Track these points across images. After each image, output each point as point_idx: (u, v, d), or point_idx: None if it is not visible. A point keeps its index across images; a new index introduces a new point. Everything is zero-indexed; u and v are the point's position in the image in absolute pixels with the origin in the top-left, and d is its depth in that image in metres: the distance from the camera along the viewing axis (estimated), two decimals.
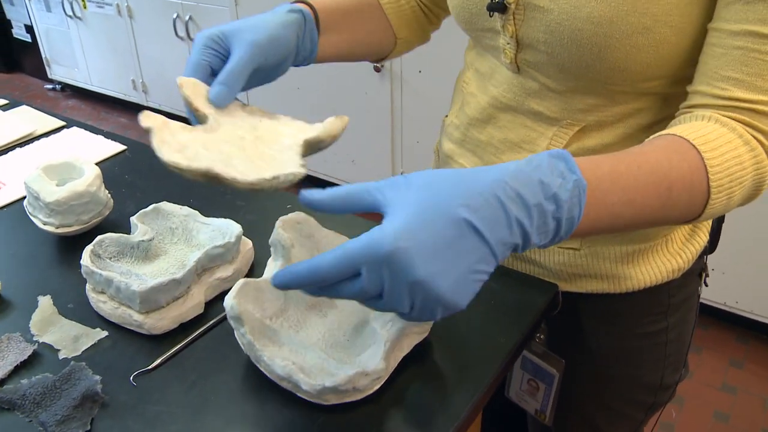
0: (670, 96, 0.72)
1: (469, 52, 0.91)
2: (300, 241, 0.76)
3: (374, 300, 0.52)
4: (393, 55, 0.98)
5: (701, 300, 0.94)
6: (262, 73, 0.75)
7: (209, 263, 0.81)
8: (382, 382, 0.67)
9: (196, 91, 0.70)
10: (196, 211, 0.90)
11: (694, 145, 0.61)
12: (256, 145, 0.67)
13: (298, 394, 0.67)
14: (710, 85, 0.65)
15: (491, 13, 0.74)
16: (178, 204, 0.92)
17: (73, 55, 3.93)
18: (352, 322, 0.73)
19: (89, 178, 0.93)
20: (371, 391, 0.67)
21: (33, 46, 4.25)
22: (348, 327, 0.73)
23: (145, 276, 0.81)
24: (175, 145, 0.63)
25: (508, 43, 0.75)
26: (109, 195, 0.97)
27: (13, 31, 4.40)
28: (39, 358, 0.75)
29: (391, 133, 2.53)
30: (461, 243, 0.50)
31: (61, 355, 0.75)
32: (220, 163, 0.63)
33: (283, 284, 0.54)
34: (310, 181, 2.92)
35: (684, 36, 0.66)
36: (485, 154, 0.85)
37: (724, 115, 0.63)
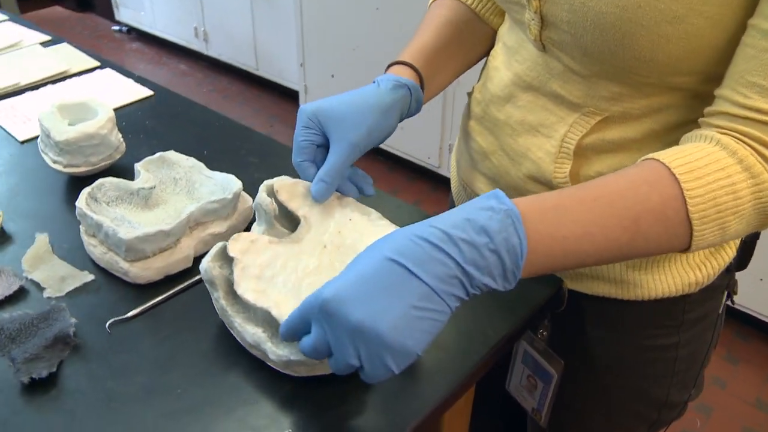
0: (704, 94, 0.65)
1: (503, 25, 0.86)
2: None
3: (330, 357, 0.54)
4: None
5: (743, 308, 0.87)
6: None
7: (203, 217, 0.80)
8: None
9: (293, 192, 0.74)
10: (202, 164, 0.88)
11: (673, 173, 0.56)
12: (334, 260, 0.69)
13: (268, 363, 0.65)
14: (734, 90, 0.58)
15: None
16: (193, 154, 0.90)
17: None
18: None
19: (101, 120, 0.92)
20: None
21: None
22: None
23: (138, 224, 0.80)
24: (254, 270, 0.66)
25: (532, 19, 0.70)
26: (122, 139, 0.96)
27: None
28: (24, 294, 0.76)
29: (443, 101, 2.47)
30: (394, 283, 0.50)
31: (46, 294, 0.75)
32: (281, 302, 0.64)
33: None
34: None
35: (720, 29, 0.59)
36: (502, 134, 0.81)
37: (734, 133, 0.57)
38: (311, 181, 0.73)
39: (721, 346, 2.13)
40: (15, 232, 0.85)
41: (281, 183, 0.74)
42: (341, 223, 0.73)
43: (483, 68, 0.90)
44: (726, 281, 0.82)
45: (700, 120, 0.62)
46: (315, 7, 2.77)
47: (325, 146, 0.74)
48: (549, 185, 0.75)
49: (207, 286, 0.67)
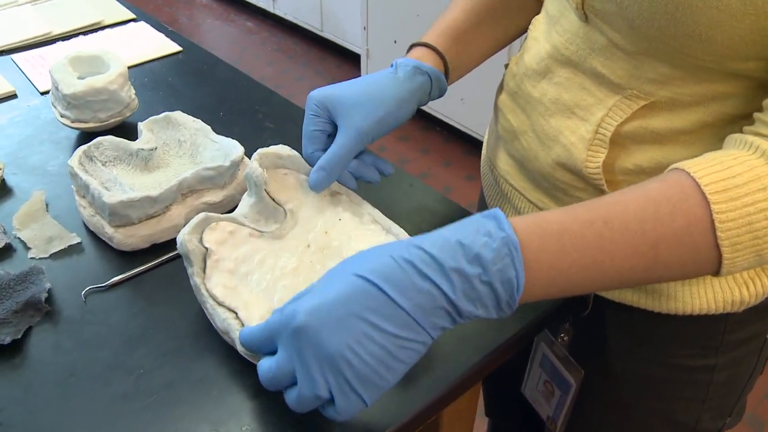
0: None
1: None
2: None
3: (290, 389, 0.49)
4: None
5: None
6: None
7: (198, 185, 0.75)
8: None
9: (283, 183, 0.69)
10: (209, 127, 0.83)
11: (703, 191, 0.47)
12: (315, 262, 0.65)
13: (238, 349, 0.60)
14: None
15: None
16: (209, 114, 0.86)
17: None
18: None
19: (111, 76, 0.88)
20: None
21: None
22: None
23: (131, 187, 0.76)
24: (229, 263, 0.62)
25: None
26: (134, 95, 0.92)
27: None
28: (10, 252, 0.73)
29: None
30: (374, 309, 0.46)
31: (30, 254, 0.72)
32: (251, 304, 0.60)
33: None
34: (419, 114, 2.81)
35: None
36: (534, 113, 0.71)
37: None
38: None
39: None
40: (15, 185, 0.83)
41: (272, 172, 0.69)
42: (330, 222, 0.67)
43: (524, 39, 0.80)
44: None
45: (754, 115, 0.52)
46: None
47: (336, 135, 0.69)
48: (579, 174, 0.66)
49: (183, 259, 0.63)
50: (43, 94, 1.03)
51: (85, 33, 1.21)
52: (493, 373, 0.65)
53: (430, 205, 0.80)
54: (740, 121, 0.57)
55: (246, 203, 0.68)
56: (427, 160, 2.66)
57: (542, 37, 0.71)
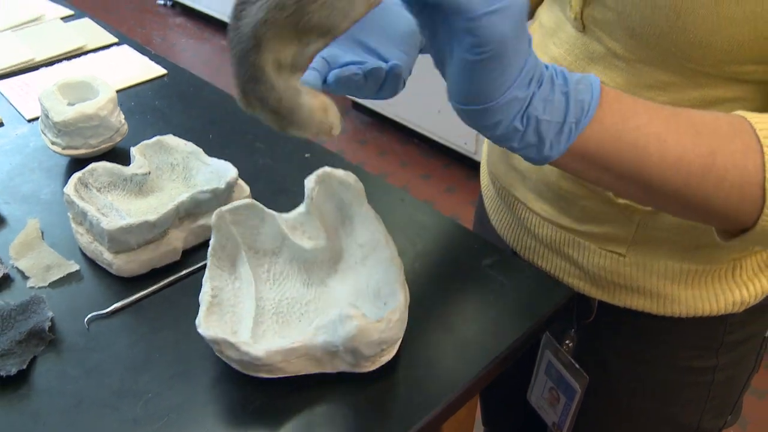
0: None
1: (542, 5, 0.78)
2: (331, 205, 0.70)
3: None
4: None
5: None
6: None
7: (194, 208, 0.76)
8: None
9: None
10: (200, 149, 0.84)
11: (757, 135, 0.47)
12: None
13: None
14: None
15: None
16: (198, 137, 0.86)
17: None
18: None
19: (101, 101, 0.88)
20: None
21: None
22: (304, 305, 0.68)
23: (128, 212, 0.76)
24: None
25: None
26: (123, 120, 0.92)
27: None
28: (8, 282, 0.73)
29: None
30: None
31: (29, 284, 0.72)
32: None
33: None
34: (396, 127, 2.83)
35: None
36: None
37: None
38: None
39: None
40: (8, 215, 0.83)
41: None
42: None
43: None
44: None
45: None
46: None
47: None
48: (583, 182, 0.67)
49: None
50: (30, 121, 1.03)
51: (68, 58, 1.21)
52: (491, 381, 0.67)
53: (421, 219, 0.82)
54: None
55: (299, 209, 0.70)
56: (407, 173, 2.68)
57: (538, 49, 0.72)
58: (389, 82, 0.54)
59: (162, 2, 4.36)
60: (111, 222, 0.70)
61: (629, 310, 0.72)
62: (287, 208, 0.71)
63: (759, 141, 0.47)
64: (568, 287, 0.72)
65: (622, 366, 0.77)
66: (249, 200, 0.69)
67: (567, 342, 0.79)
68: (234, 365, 0.59)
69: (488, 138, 0.47)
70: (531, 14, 0.84)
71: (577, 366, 0.78)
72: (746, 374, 0.78)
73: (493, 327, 0.67)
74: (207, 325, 0.60)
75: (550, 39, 0.70)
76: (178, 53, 3.78)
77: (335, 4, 0.44)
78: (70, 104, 0.89)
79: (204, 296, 0.63)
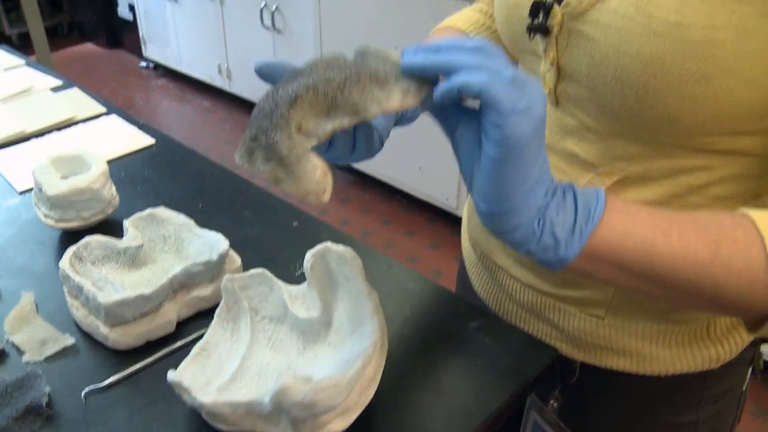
0: (733, 153, 0.61)
1: None
2: (328, 281, 0.72)
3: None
4: None
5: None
6: None
7: (188, 280, 0.78)
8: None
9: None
10: (192, 221, 0.86)
11: (757, 227, 0.51)
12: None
13: None
14: None
15: (532, 35, 0.66)
16: (188, 207, 0.89)
17: (167, 35, 4.04)
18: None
19: (93, 175, 0.91)
20: None
21: (133, 25, 4.40)
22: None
23: (123, 285, 0.78)
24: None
25: (548, 71, 0.66)
26: (115, 193, 0.95)
27: (119, 9, 4.58)
28: (4, 357, 0.74)
29: None
30: None
31: (25, 358, 0.73)
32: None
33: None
34: (378, 185, 2.87)
35: (754, 90, 0.54)
36: None
37: None
38: None
39: (748, 399, 2.05)
40: (2, 288, 0.84)
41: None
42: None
43: None
44: (750, 355, 0.76)
45: None
46: (335, 44, 2.78)
47: None
48: None
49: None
50: (21, 193, 1.05)
51: (58, 129, 1.24)
52: None
53: (409, 285, 0.84)
54: (705, 189, 0.63)
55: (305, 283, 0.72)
56: (390, 231, 2.71)
57: None
58: (360, 140, 0.59)
59: (144, 64, 4.44)
60: (107, 296, 0.72)
61: (610, 370, 0.75)
62: (278, 277, 0.73)
63: (759, 232, 0.51)
64: (553, 348, 0.75)
65: (607, 424, 0.79)
66: (260, 270, 0.72)
67: (552, 402, 0.81)
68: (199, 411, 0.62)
69: (509, 243, 0.52)
70: None
71: (562, 425, 0.79)
72: (728, 427, 0.80)
73: (481, 390, 0.70)
74: (180, 372, 0.65)
75: None
76: (161, 115, 3.83)
77: (374, 92, 0.50)
78: (64, 178, 0.92)
79: (195, 347, 0.68)
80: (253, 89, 3.59)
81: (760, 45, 0.52)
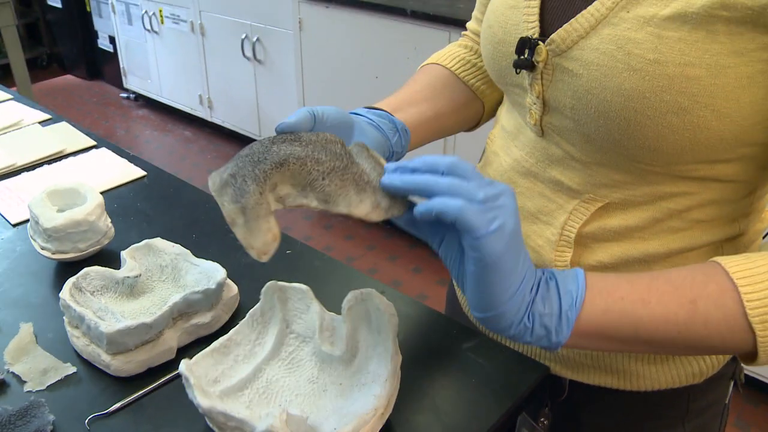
0: (711, 179, 0.65)
1: (501, 106, 0.86)
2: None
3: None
4: (485, 118, 0.94)
5: (754, 374, 0.84)
6: None
7: (187, 308, 0.80)
8: None
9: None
10: (188, 251, 0.88)
11: (729, 276, 0.56)
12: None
13: None
14: None
15: (518, 70, 0.69)
16: (182, 237, 0.91)
17: (148, 67, 4.07)
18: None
19: (89, 207, 0.92)
20: None
21: (114, 57, 4.43)
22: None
23: (122, 314, 0.80)
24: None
25: (534, 103, 0.69)
26: (110, 224, 0.97)
27: (99, 41, 4.61)
28: (5, 387, 0.75)
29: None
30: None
31: (26, 388, 0.74)
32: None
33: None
34: None
35: (728, 122, 0.58)
36: None
37: None
38: None
39: (731, 411, 2.09)
40: (1, 320, 0.85)
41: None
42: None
43: (483, 151, 0.90)
44: (732, 369, 0.80)
45: None
46: (316, 75, 2.82)
47: None
48: None
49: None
50: (15, 225, 1.06)
51: (49, 162, 1.25)
52: None
53: (403, 310, 0.86)
54: (685, 213, 0.67)
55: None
56: (373, 256, 2.73)
57: (501, 151, 0.80)
58: None
59: (125, 95, 4.46)
60: (109, 325, 0.73)
61: (598, 387, 0.78)
62: None
63: (731, 279, 0.56)
64: (545, 365, 0.77)
65: None
66: (305, 287, 0.75)
67: (542, 420, 0.83)
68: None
69: (508, 338, 0.59)
70: (491, 114, 0.93)
71: None
72: None
73: (477, 408, 0.72)
74: (195, 361, 0.67)
75: (512, 142, 0.77)
76: (143, 145, 3.84)
77: (350, 193, 0.55)
78: (60, 210, 0.93)
79: (216, 342, 0.71)
80: (234, 118, 3.62)
81: (733, 81, 0.56)
